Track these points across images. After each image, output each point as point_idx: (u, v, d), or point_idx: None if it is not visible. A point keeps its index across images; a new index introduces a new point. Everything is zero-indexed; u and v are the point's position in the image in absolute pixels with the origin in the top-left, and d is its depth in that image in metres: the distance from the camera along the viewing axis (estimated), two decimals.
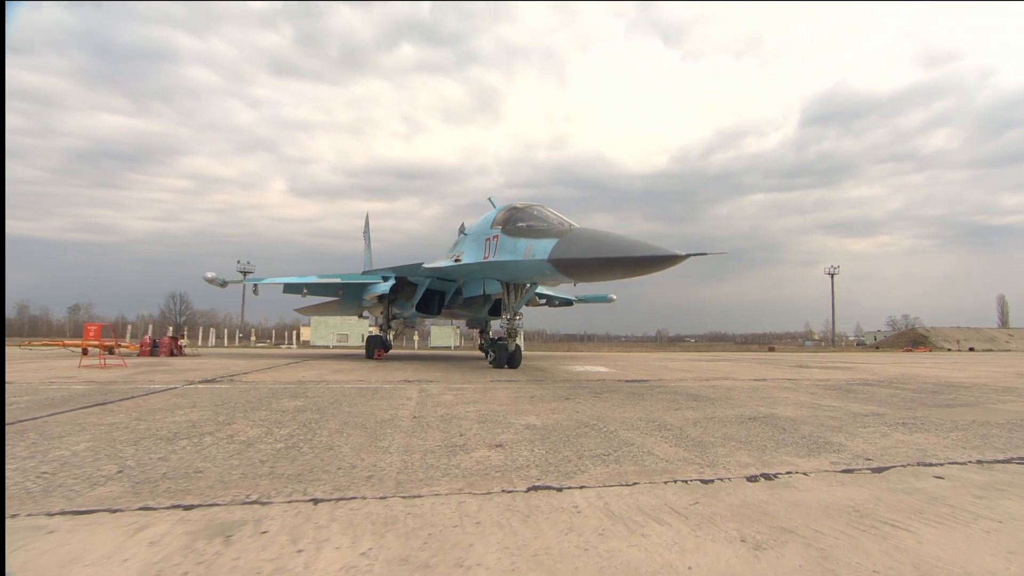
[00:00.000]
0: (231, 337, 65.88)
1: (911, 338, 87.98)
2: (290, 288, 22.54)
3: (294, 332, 69.37)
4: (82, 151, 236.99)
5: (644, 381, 12.09)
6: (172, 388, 9.58)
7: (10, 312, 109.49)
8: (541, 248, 12.49)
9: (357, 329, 73.72)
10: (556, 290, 25.27)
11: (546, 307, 27.56)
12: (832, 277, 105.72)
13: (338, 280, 22.21)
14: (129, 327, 57.63)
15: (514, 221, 14.26)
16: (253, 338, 64.97)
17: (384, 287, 20.42)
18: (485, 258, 14.85)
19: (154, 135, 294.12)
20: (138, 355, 21.59)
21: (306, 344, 65.21)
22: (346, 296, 23.52)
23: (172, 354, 21.60)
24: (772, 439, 5.45)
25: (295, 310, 30.85)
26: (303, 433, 5.51)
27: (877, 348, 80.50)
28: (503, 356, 15.33)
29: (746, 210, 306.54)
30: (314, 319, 69.14)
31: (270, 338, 75.37)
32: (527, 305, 25.74)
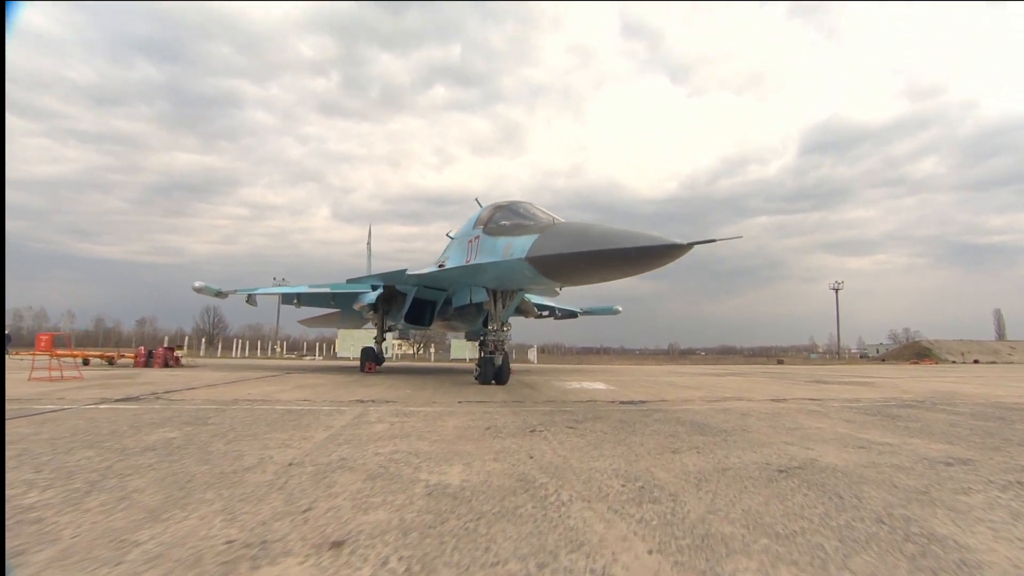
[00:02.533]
0: (264, 348, 64.40)
1: (915, 351, 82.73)
2: (286, 299, 20.47)
3: (322, 345, 67.77)
4: (158, 185, 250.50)
5: (642, 403, 9.48)
6: (64, 409, 7.31)
7: (88, 324, 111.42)
8: (519, 246, 10.07)
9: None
10: (557, 301, 22.59)
11: (551, 319, 24.94)
12: (836, 292, 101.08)
13: (327, 290, 19.98)
14: (166, 337, 56.43)
15: (496, 220, 11.89)
16: (279, 349, 63.28)
17: (371, 296, 18.13)
18: (467, 262, 12.50)
19: (218, 169, 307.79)
20: (133, 365, 19.58)
21: (333, 356, 63.32)
22: (338, 306, 21.30)
23: (167, 365, 19.53)
24: (829, 527, 2.90)
25: (298, 322, 28.68)
26: (57, 498, 3.13)
27: (883, 360, 75.68)
28: (488, 371, 12.82)
29: (751, 231, 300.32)
30: (341, 332, 67.14)
31: (301, 349, 73.70)
32: (533, 317, 23.27)
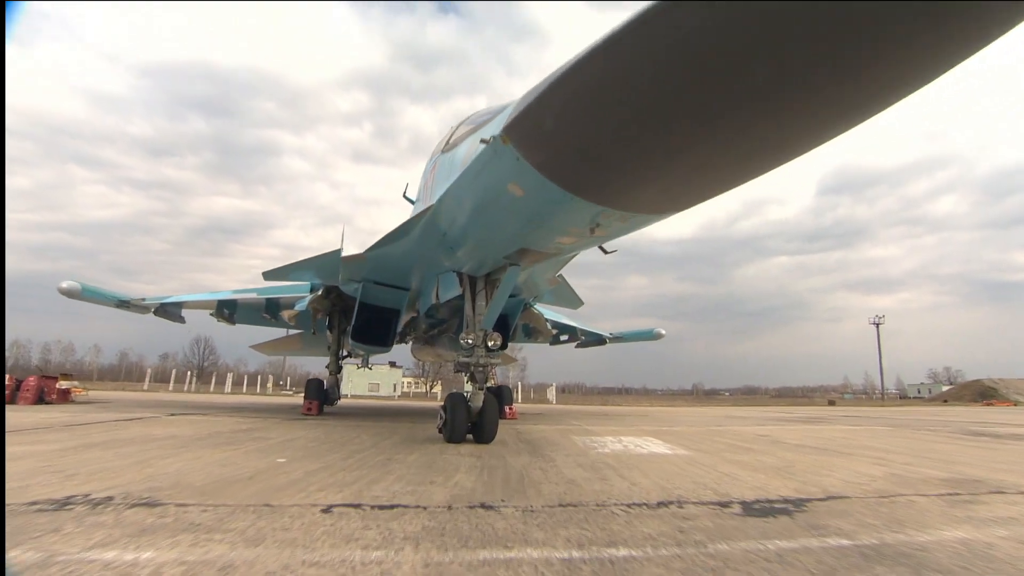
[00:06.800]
0: (263, 384, 59.04)
1: (978, 390, 72.86)
2: (217, 313, 14.96)
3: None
4: (198, 227, 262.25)
5: (797, 509, 3.74)
6: None
7: (112, 359, 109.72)
8: (490, 130, 4.49)
9: (389, 378, 66.09)
10: (574, 316, 16.30)
11: (572, 346, 18.89)
12: (877, 327, 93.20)
13: (254, 295, 14.49)
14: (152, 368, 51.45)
15: (460, 130, 6.37)
16: (269, 384, 57.80)
17: (304, 303, 12.48)
18: (425, 210, 6.92)
19: (254, 213, 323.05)
20: None
21: None
22: (275, 319, 15.55)
23: (41, 401, 13.98)
24: None
25: (251, 347, 22.82)
26: None
27: (945, 401, 66.83)
28: (460, 421, 7.16)
29: (771, 271, 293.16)
30: (347, 367, 61.69)
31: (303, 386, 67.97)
32: (547, 340, 17.28)
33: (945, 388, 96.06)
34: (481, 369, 7.41)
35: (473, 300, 7.45)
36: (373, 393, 59.81)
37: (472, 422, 7.29)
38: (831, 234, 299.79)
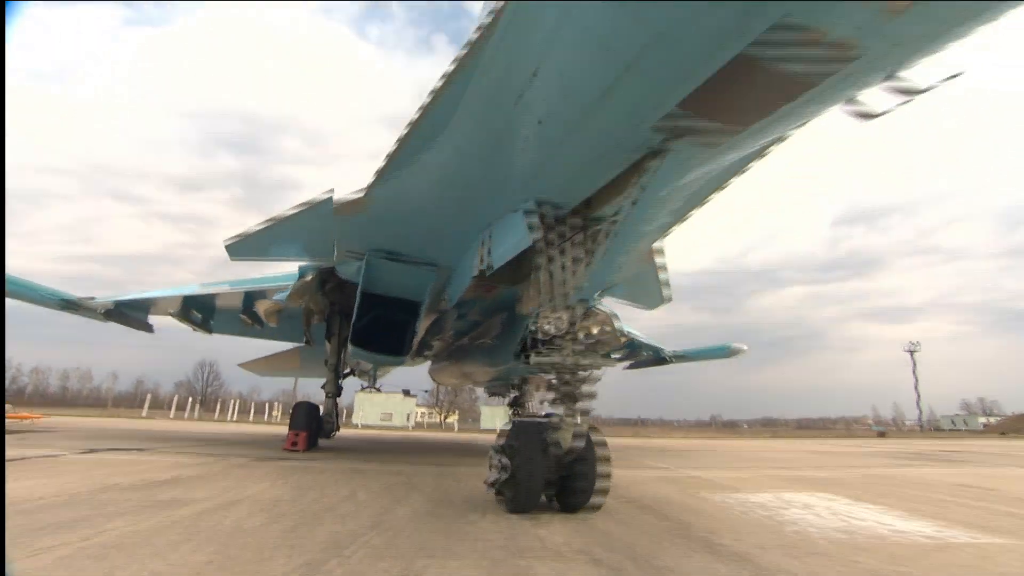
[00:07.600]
0: (269, 412, 55.61)
1: None
2: (185, 316, 11.63)
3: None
4: (221, 259, 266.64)
5: None
6: None
7: (129, 386, 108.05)
8: None
9: (403, 407, 62.20)
10: (640, 328, 12.83)
11: (619, 369, 15.41)
12: (912, 355, 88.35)
13: (227, 287, 11.10)
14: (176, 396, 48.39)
15: None
16: (276, 412, 54.10)
17: (284, 295, 8.99)
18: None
19: None
20: None
21: (347, 422, 53.93)
22: (256, 322, 12.00)
23: None
24: None
25: (239, 365, 18.99)
26: None
27: (1004, 434, 61.37)
28: (537, 474, 3.85)
29: (786, 301, 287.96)
30: (359, 396, 57.70)
31: None
32: (605, 358, 13.64)
33: (983, 420, 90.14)
34: (568, 385, 4.12)
35: (560, 254, 4.23)
36: (386, 423, 55.78)
37: (559, 486, 4.03)
38: (845, 264, 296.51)
